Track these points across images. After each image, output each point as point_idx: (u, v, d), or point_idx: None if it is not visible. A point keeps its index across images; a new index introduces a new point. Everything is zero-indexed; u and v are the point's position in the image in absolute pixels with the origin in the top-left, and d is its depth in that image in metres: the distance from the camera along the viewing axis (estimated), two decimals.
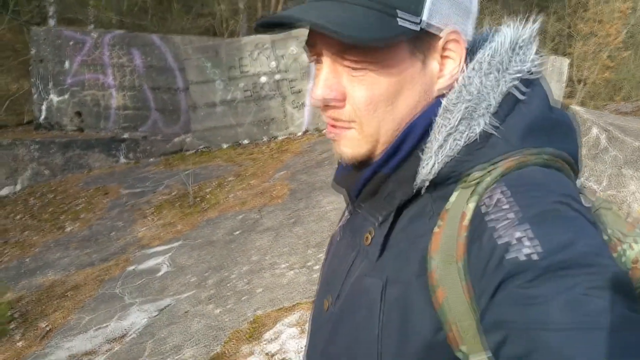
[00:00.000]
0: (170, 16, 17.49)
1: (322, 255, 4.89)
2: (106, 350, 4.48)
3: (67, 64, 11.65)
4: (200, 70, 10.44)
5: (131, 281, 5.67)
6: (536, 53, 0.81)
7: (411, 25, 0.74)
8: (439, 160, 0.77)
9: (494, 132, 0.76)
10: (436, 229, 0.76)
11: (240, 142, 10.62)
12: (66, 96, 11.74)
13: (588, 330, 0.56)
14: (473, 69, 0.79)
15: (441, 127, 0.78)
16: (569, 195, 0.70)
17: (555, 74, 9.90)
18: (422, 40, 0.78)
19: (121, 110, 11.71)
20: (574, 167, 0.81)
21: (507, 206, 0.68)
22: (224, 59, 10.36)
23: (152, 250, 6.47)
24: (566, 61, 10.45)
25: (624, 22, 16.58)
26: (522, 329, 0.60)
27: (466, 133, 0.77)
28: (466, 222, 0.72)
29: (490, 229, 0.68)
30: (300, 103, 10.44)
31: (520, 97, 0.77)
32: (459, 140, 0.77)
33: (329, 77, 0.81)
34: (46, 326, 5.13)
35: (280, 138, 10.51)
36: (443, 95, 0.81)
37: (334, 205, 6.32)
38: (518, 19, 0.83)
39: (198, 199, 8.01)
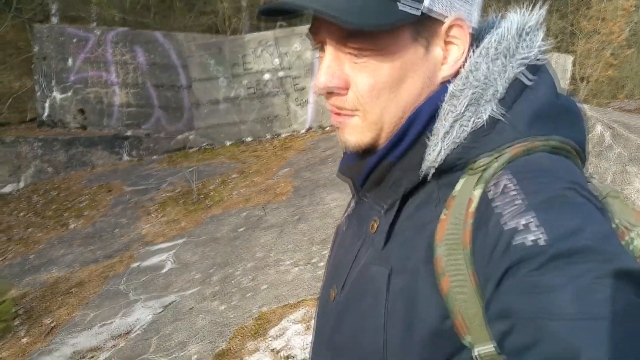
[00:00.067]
0: (172, 14, 17.50)
1: (326, 252, 4.89)
2: (111, 347, 4.49)
3: (70, 62, 11.64)
4: (203, 67, 10.43)
5: (135, 278, 5.67)
6: (543, 40, 0.80)
7: (412, 10, 0.74)
8: (445, 147, 0.77)
9: (501, 118, 0.75)
10: (442, 216, 0.75)
11: (243, 139, 10.61)
12: (69, 93, 11.74)
13: (596, 319, 0.55)
14: (480, 54, 0.78)
15: (447, 113, 0.77)
16: (577, 182, 0.69)
17: (559, 72, 9.89)
18: (425, 26, 0.77)
19: (124, 108, 11.71)
20: (582, 155, 0.80)
21: (514, 192, 0.67)
22: (227, 56, 10.35)
23: (156, 247, 6.48)
24: (570, 58, 10.45)
25: (627, 19, 16.54)
26: (528, 319, 0.59)
27: (473, 119, 0.76)
28: (472, 208, 0.71)
29: (497, 215, 0.67)
30: (304, 100, 10.43)
31: (528, 83, 0.77)
32: (465, 126, 0.76)
33: (332, 65, 0.81)
34: (51, 322, 5.13)
35: (283, 135, 10.51)
36: (449, 82, 0.80)
37: (337, 202, 6.32)
38: (524, 6, 0.82)
39: (202, 196, 8.01)
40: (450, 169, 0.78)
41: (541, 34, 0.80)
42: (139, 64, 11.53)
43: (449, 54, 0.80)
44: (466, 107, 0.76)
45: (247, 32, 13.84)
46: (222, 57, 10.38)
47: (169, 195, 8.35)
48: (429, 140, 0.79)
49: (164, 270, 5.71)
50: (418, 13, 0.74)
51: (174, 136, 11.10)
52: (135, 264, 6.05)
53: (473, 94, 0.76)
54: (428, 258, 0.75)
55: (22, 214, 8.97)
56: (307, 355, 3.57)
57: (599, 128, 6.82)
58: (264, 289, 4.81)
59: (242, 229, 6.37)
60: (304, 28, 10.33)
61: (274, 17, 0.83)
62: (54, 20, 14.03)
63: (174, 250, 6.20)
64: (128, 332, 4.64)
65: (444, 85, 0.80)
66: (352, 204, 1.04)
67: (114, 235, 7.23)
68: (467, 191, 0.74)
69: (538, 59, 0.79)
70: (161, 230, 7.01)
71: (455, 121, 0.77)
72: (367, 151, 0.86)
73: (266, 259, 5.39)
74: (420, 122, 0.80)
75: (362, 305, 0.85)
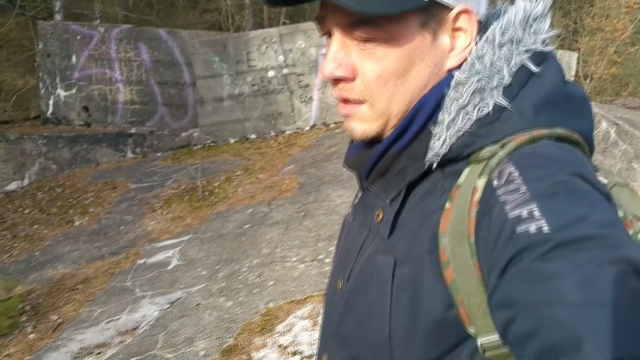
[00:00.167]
0: (175, 11, 17.52)
1: (332, 249, 4.90)
2: (118, 343, 4.50)
3: (74, 59, 11.65)
4: (207, 64, 10.43)
5: (142, 274, 5.68)
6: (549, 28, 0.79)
7: None
8: (450, 136, 0.76)
9: (507, 106, 0.75)
10: (447, 205, 0.75)
11: (247, 136, 10.61)
12: (73, 91, 11.76)
13: (600, 306, 0.54)
14: (486, 41, 0.78)
15: (453, 100, 0.77)
16: (583, 169, 0.68)
17: (564, 68, 9.88)
18: (433, 14, 0.77)
19: (128, 105, 11.73)
20: (589, 143, 0.80)
21: (519, 180, 0.67)
22: (231, 53, 10.35)
23: (161, 243, 6.49)
24: (575, 55, 10.43)
25: (631, 17, 16.51)
26: (531, 306, 0.58)
27: (479, 106, 0.75)
28: (477, 197, 0.71)
29: (502, 203, 0.66)
30: (308, 97, 10.43)
31: (534, 69, 0.76)
32: (471, 113, 0.76)
33: (339, 53, 0.81)
34: (57, 319, 5.14)
35: (287, 132, 10.50)
36: (455, 70, 0.80)
37: (343, 199, 6.33)
38: None
39: (207, 192, 8.02)
40: (455, 158, 0.77)
41: (548, 22, 0.79)
42: (143, 61, 11.54)
43: (456, 43, 0.80)
44: (471, 95, 0.76)
45: (250, 30, 13.84)
46: (226, 54, 10.37)
47: (174, 192, 8.36)
48: (434, 129, 0.78)
49: (170, 267, 5.72)
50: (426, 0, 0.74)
51: (178, 133, 11.10)
52: (141, 261, 6.06)
53: (478, 81, 0.75)
54: (433, 248, 0.75)
55: (27, 211, 8.98)
56: (315, 351, 3.59)
57: (604, 125, 6.81)
58: (270, 285, 4.81)
59: (247, 226, 6.37)
60: (308, 25, 10.33)
61: (281, 5, 0.83)
62: (58, 17, 14.05)
63: (180, 247, 6.21)
64: (135, 328, 4.65)
65: (450, 74, 0.80)
66: (359, 195, 1.04)
67: (119, 232, 7.24)
68: (472, 180, 0.73)
69: (545, 46, 0.78)
70: (166, 227, 7.02)
71: (460, 109, 0.76)
72: (373, 141, 0.86)
73: (272, 255, 5.40)
74: (426, 111, 0.80)
75: (367, 295, 0.85)
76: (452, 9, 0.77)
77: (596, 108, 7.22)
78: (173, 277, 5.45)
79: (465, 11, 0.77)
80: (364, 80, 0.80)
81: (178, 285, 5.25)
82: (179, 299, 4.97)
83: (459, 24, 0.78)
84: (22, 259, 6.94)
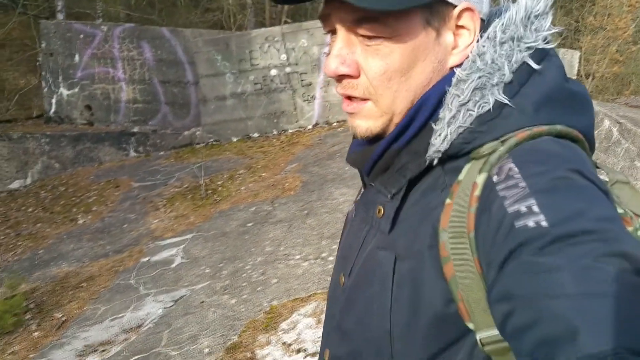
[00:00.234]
0: (177, 10, 17.52)
1: (336, 247, 4.90)
2: (123, 340, 4.51)
3: (77, 58, 11.66)
4: (210, 63, 10.43)
5: (145, 272, 5.69)
6: (551, 25, 0.80)
7: None
8: (451, 132, 0.77)
9: (508, 102, 0.75)
10: (448, 201, 0.76)
11: (250, 135, 10.62)
12: (76, 90, 11.77)
13: (596, 297, 0.55)
14: (487, 38, 0.78)
15: (454, 97, 0.77)
16: (582, 165, 0.69)
17: (566, 67, 9.83)
18: (437, 11, 0.77)
19: (131, 104, 11.73)
20: (589, 140, 0.80)
21: (518, 176, 0.68)
22: (234, 51, 10.35)
23: (165, 241, 6.50)
24: (577, 54, 10.42)
25: (633, 15, 16.48)
26: (529, 299, 0.59)
27: (479, 103, 0.76)
28: (477, 193, 0.71)
29: (501, 199, 0.67)
30: (311, 96, 10.42)
31: (535, 66, 0.77)
32: (471, 110, 0.76)
33: (343, 49, 0.81)
34: (62, 316, 5.15)
35: (290, 131, 10.50)
36: (457, 67, 0.80)
37: (346, 197, 6.34)
38: None
39: (210, 191, 8.02)
40: (456, 154, 0.78)
41: (549, 19, 0.79)
42: (146, 60, 11.54)
43: (459, 41, 0.80)
44: (472, 92, 0.76)
45: (252, 29, 13.84)
46: (229, 53, 10.38)
47: (177, 191, 8.36)
48: (435, 126, 0.79)
49: (174, 265, 5.73)
50: None
51: (180, 132, 11.11)
52: (145, 259, 6.07)
53: (479, 78, 0.76)
54: (433, 243, 0.76)
55: (30, 209, 9.00)
56: (319, 348, 3.59)
57: (606, 123, 6.81)
58: (274, 282, 4.82)
59: (250, 224, 6.38)
60: (311, 23, 10.33)
61: (285, 3, 0.84)
62: (60, 16, 14.05)
63: (184, 245, 6.22)
64: (139, 326, 4.66)
65: (453, 71, 0.80)
66: (361, 191, 1.05)
67: (123, 230, 7.25)
68: (472, 176, 0.74)
69: (547, 43, 0.79)
70: (170, 225, 7.03)
71: (461, 106, 0.77)
72: (375, 138, 0.86)
73: (276, 253, 5.41)
74: (428, 107, 0.80)
75: (369, 290, 0.86)
76: (455, 7, 0.78)
77: (599, 106, 7.21)
78: (177, 275, 5.46)
79: (468, 9, 0.78)
80: (368, 77, 0.81)
81: (182, 283, 5.26)
82: (183, 296, 4.98)
83: (462, 21, 0.79)
84: (26, 257, 6.95)
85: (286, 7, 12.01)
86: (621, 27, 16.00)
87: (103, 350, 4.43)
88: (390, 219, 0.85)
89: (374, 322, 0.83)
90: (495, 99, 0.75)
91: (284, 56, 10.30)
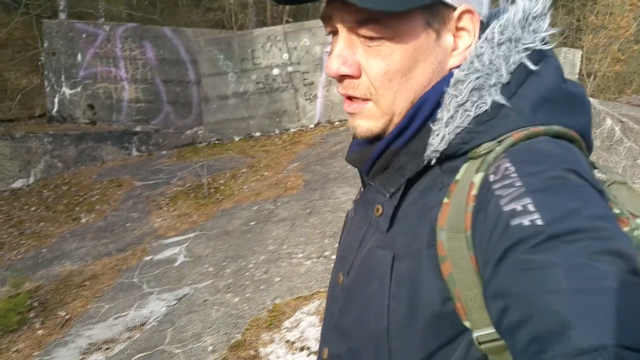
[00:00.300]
0: (179, 10, 17.53)
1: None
2: (126, 338, 4.52)
3: (79, 57, 11.66)
4: (212, 62, 10.44)
5: (149, 271, 5.71)
6: (549, 26, 0.80)
7: None
8: (449, 132, 0.77)
9: (505, 103, 0.76)
10: (445, 200, 0.76)
11: (252, 134, 10.63)
12: (79, 89, 11.78)
13: (589, 293, 0.56)
14: (485, 39, 0.79)
15: (452, 97, 0.78)
16: (578, 165, 0.70)
17: (568, 66, 9.85)
18: (437, 13, 0.78)
19: (133, 103, 11.73)
20: (586, 141, 0.81)
21: (514, 175, 0.68)
22: (236, 51, 10.36)
23: (168, 240, 6.51)
24: (579, 53, 10.40)
25: (635, 14, 16.46)
26: (523, 295, 0.60)
27: (477, 104, 0.77)
28: (474, 192, 0.72)
29: (497, 197, 0.68)
30: (313, 95, 10.43)
31: (533, 68, 0.77)
32: (469, 111, 0.77)
33: (344, 50, 0.82)
34: (65, 315, 5.17)
35: (292, 130, 10.51)
36: (457, 68, 0.81)
37: (348, 196, 6.34)
38: None
39: (212, 190, 8.04)
40: (454, 154, 0.79)
41: (547, 21, 0.80)
42: (148, 59, 11.54)
43: (459, 42, 0.81)
44: (470, 92, 0.77)
45: (253, 28, 13.84)
46: (231, 52, 10.38)
47: (180, 190, 8.38)
48: (433, 125, 0.80)
49: (177, 263, 5.74)
50: None
51: (182, 131, 11.12)
52: (148, 257, 6.09)
53: (477, 79, 0.77)
54: (431, 242, 0.77)
55: (33, 208, 9.01)
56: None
57: (609, 122, 6.81)
58: (277, 281, 4.84)
59: (253, 223, 6.39)
60: (313, 23, 10.33)
61: (288, 3, 0.85)
62: (62, 16, 14.07)
63: (186, 244, 6.24)
64: (143, 324, 4.67)
65: (452, 72, 0.81)
66: (361, 190, 1.06)
67: (126, 229, 7.27)
68: (469, 176, 0.75)
69: (544, 44, 0.79)
70: (173, 224, 7.05)
71: (459, 107, 0.77)
72: (375, 138, 0.87)
73: (278, 251, 5.42)
74: (427, 108, 0.81)
75: (367, 288, 0.87)
76: (455, 9, 0.78)
77: (601, 105, 7.20)
78: (180, 273, 5.48)
79: (468, 11, 0.79)
80: (370, 78, 0.81)
81: (185, 281, 5.27)
82: (186, 295, 5.00)
83: (462, 23, 0.80)
84: (29, 256, 6.97)
85: (288, 6, 11.97)
86: (623, 26, 16.00)
87: (107, 349, 4.45)
88: (388, 218, 0.86)
89: (373, 321, 0.84)
90: (493, 100, 0.76)
91: (286, 55, 10.31)
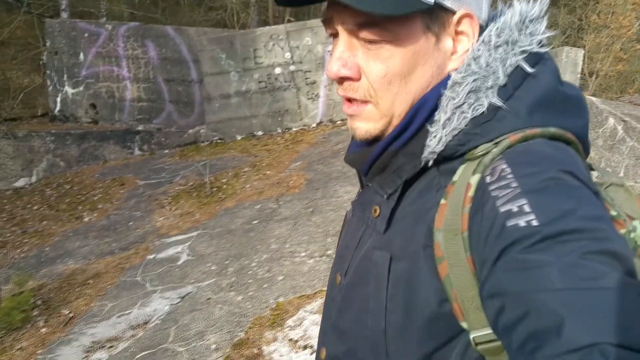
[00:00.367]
0: (181, 9, 17.55)
1: None
2: (130, 337, 4.53)
3: (81, 56, 11.67)
4: (215, 61, 10.45)
5: (152, 269, 5.72)
6: (545, 29, 0.81)
7: None
8: (446, 134, 0.78)
9: (502, 105, 0.76)
10: (442, 201, 0.77)
11: (254, 133, 10.64)
12: (81, 88, 11.78)
13: (583, 291, 0.56)
14: (482, 42, 0.79)
15: (449, 99, 0.79)
16: (573, 166, 0.70)
17: (570, 66, 9.84)
18: (437, 17, 0.78)
19: (136, 102, 11.74)
20: (583, 143, 0.81)
21: (510, 176, 0.69)
22: (238, 50, 10.36)
23: (171, 239, 6.52)
24: (581, 52, 10.38)
25: (637, 13, 16.43)
26: (518, 294, 0.60)
27: (474, 106, 0.77)
28: (471, 193, 0.72)
29: (493, 198, 0.68)
30: (315, 94, 10.44)
31: (530, 70, 0.78)
32: (466, 112, 0.77)
33: (344, 52, 0.82)
34: (69, 313, 5.18)
35: (294, 129, 10.52)
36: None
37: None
38: None
39: (215, 189, 8.05)
40: (451, 156, 0.79)
41: (544, 23, 0.81)
42: (150, 58, 11.55)
43: (458, 46, 0.81)
44: (467, 94, 0.77)
45: (255, 27, 13.85)
46: (234, 51, 10.39)
47: (182, 189, 8.39)
48: (431, 127, 0.80)
49: (180, 262, 5.76)
50: (431, 2, 0.76)
51: (185, 130, 11.14)
52: (151, 256, 6.10)
53: (474, 81, 0.77)
54: (428, 243, 0.77)
55: (35, 207, 9.03)
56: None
57: (611, 121, 6.81)
58: (280, 280, 4.85)
59: (256, 221, 6.40)
60: (315, 22, 10.34)
61: (289, 5, 0.85)
62: (64, 15, 14.08)
63: (189, 242, 6.25)
64: (146, 322, 4.69)
65: (450, 74, 0.82)
66: (359, 191, 1.07)
67: (128, 228, 7.28)
68: (465, 177, 0.75)
69: (541, 47, 0.80)
70: (175, 223, 7.06)
71: (456, 109, 0.78)
72: (374, 139, 0.88)
73: (281, 250, 5.43)
74: (426, 110, 0.82)
75: (364, 289, 0.87)
76: (455, 13, 0.79)
77: (604, 105, 7.20)
78: (183, 272, 5.49)
79: (467, 15, 0.79)
80: (369, 80, 0.82)
81: (188, 280, 5.29)
82: (189, 293, 5.01)
83: (461, 27, 0.80)
84: (33, 255, 6.98)
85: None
86: (625, 25, 15.97)
87: (110, 347, 4.46)
88: (385, 219, 0.87)
89: (370, 322, 0.84)
90: (490, 102, 0.77)
91: (288, 54, 10.31)
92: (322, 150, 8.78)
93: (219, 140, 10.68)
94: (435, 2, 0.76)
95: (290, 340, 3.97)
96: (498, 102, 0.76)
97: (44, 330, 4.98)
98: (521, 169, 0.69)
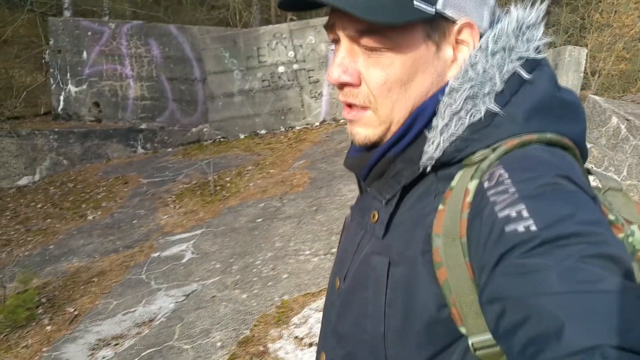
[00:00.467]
0: (183, 8, 17.57)
1: None
2: (135, 334, 4.54)
3: (85, 55, 11.66)
4: (218, 60, 10.46)
5: (156, 267, 5.73)
6: (542, 35, 0.81)
7: (426, 8, 0.76)
8: (444, 140, 0.79)
9: (499, 111, 0.77)
10: (440, 207, 0.77)
11: (257, 132, 10.65)
12: (84, 86, 11.78)
13: (582, 294, 0.57)
14: (480, 48, 0.80)
15: (447, 106, 0.79)
16: (570, 172, 0.71)
17: (573, 65, 9.84)
18: (438, 26, 0.79)
19: (139, 101, 11.74)
20: (580, 148, 0.82)
21: (508, 181, 0.69)
22: (242, 48, 10.37)
23: (175, 237, 6.53)
24: (584, 51, 10.38)
25: None
26: (518, 298, 0.61)
27: (471, 112, 0.78)
28: (469, 198, 0.73)
29: (492, 204, 0.69)
30: (318, 93, 10.45)
31: (526, 76, 0.78)
32: (463, 119, 0.78)
33: (345, 59, 0.83)
34: (74, 311, 5.19)
35: (297, 128, 10.53)
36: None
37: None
38: (529, 2, 0.84)
39: (218, 187, 8.06)
40: (449, 162, 0.80)
41: (541, 30, 0.81)
42: (154, 57, 11.55)
43: (458, 55, 0.82)
44: (464, 100, 0.78)
45: (257, 26, 13.85)
46: (237, 50, 10.40)
47: (186, 187, 8.40)
48: (428, 134, 0.81)
49: (184, 260, 5.77)
50: (432, 12, 0.76)
51: (188, 129, 11.14)
52: (156, 254, 6.11)
53: (471, 87, 0.78)
54: (426, 248, 0.77)
55: (39, 205, 9.03)
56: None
57: (614, 120, 6.80)
58: (284, 277, 4.86)
59: (260, 220, 6.41)
60: (319, 20, 10.34)
61: (294, 9, 0.86)
62: (67, 14, 14.08)
63: (194, 241, 6.26)
64: (151, 320, 4.69)
65: (448, 81, 0.82)
66: (358, 196, 1.07)
67: (132, 226, 7.29)
68: (464, 183, 0.76)
69: (538, 53, 0.80)
70: (179, 221, 7.07)
71: (453, 115, 0.78)
72: (373, 145, 0.88)
73: (286, 248, 5.44)
74: (425, 117, 0.83)
75: (363, 294, 0.88)
76: (455, 22, 0.80)
77: (607, 104, 7.19)
78: (187, 270, 5.50)
79: (468, 25, 0.80)
80: (369, 87, 0.83)
81: (193, 277, 5.30)
82: (194, 291, 5.02)
83: (461, 36, 0.81)
84: (37, 253, 6.99)
85: None
86: (628, 24, 15.95)
87: (116, 344, 4.47)
88: (384, 224, 0.87)
89: (369, 326, 0.85)
90: (487, 108, 0.77)
91: (291, 53, 10.32)
92: (325, 148, 8.79)
93: (222, 139, 10.69)
94: (436, 12, 0.77)
95: (296, 337, 3.98)
96: (495, 108, 0.77)
97: (49, 328, 4.99)
98: (519, 174, 0.70)
